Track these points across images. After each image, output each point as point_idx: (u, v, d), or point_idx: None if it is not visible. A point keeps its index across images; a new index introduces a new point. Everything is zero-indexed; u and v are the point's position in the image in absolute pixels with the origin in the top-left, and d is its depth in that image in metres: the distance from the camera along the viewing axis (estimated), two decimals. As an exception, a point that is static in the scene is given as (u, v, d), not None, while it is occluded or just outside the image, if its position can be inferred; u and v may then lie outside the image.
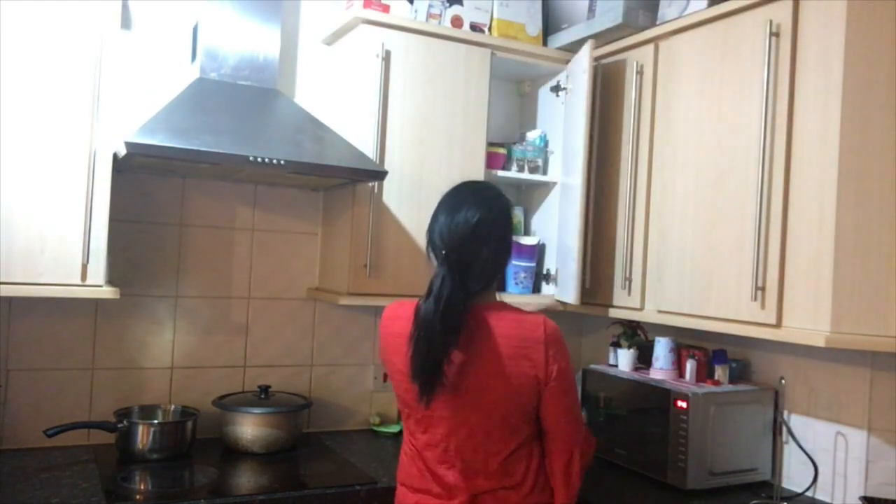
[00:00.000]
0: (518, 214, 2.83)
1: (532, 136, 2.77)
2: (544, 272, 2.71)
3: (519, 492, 1.65)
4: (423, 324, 1.59)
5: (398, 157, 2.40)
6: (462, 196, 1.71)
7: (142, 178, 2.41)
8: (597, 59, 2.53)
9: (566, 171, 2.61)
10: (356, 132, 2.36)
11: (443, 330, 1.57)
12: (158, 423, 2.28)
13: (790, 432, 2.19)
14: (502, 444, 1.64)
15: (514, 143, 2.74)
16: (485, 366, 1.61)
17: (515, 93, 2.99)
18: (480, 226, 1.65)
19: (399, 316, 1.72)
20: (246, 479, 2.14)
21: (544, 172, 2.75)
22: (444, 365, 1.58)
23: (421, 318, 1.60)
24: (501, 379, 1.61)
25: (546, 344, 1.61)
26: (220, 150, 2.00)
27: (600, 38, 2.50)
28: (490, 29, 2.62)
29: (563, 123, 2.67)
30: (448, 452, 1.65)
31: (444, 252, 1.64)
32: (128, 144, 1.89)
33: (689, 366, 2.30)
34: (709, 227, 2.12)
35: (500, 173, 2.64)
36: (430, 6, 2.51)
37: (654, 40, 2.35)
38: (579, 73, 2.48)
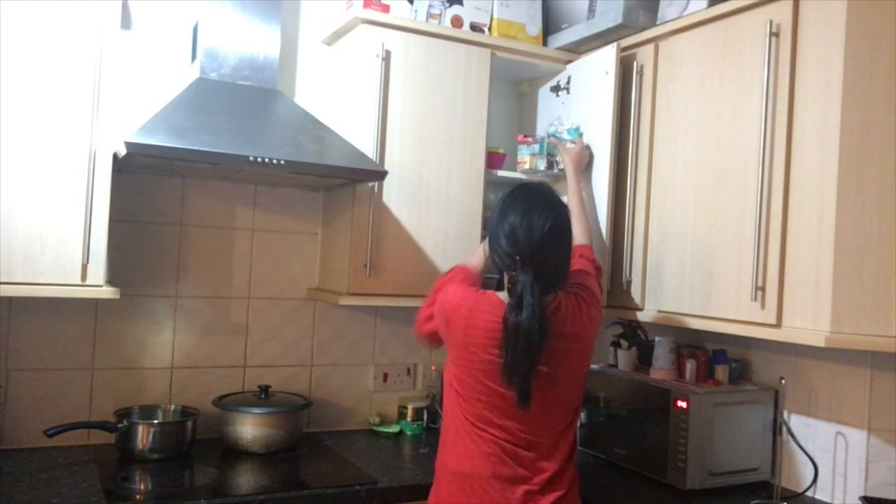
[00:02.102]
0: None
1: (564, 127, 2.59)
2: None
3: (570, 464, 1.81)
4: (525, 334, 1.63)
5: (398, 157, 2.40)
6: (532, 201, 1.74)
7: (142, 178, 2.41)
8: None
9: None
10: (356, 132, 2.36)
11: (541, 338, 1.64)
12: (158, 423, 2.28)
13: (790, 432, 2.19)
14: (565, 425, 1.80)
15: (543, 138, 2.66)
16: (563, 359, 1.75)
17: (515, 93, 2.99)
18: (553, 232, 1.71)
19: (482, 309, 1.72)
20: (246, 479, 2.14)
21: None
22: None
23: (522, 328, 1.64)
24: (569, 369, 1.77)
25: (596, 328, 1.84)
26: (220, 150, 2.00)
27: (600, 38, 2.50)
28: (490, 29, 2.62)
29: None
30: (524, 437, 1.74)
31: (518, 257, 1.68)
32: (128, 144, 1.89)
33: (689, 366, 2.30)
34: (709, 227, 2.12)
35: (500, 173, 2.65)
36: (430, 6, 2.52)
37: (654, 40, 2.35)
38: (597, 74, 2.46)
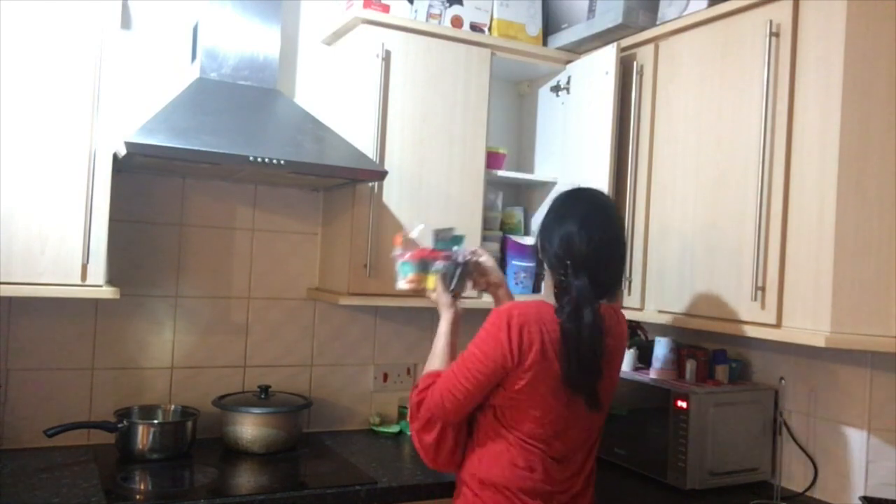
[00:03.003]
0: (518, 214, 2.82)
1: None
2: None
3: (593, 478, 1.86)
4: (590, 338, 1.64)
5: (398, 157, 2.40)
6: (591, 207, 1.75)
7: (142, 178, 2.41)
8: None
9: (569, 170, 2.61)
10: (356, 132, 2.36)
11: (601, 341, 1.67)
12: (158, 423, 2.28)
13: (790, 432, 2.19)
14: (597, 436, 1.85)
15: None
16: (610, 364, 1.78)
17: (515, 93, 2.99)
18: (612, 240, 1.73)
19: (550, 320, 1.69)
20: (246, 479, 2.14)
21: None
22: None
23: (585, 332, 1.64)
24: (612, 375, 1.82)
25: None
26: (220, 150, 2.00)
27: (600, 38, 2.50)
28: (490, 29, 2.62)
29: (562, 123, 2.67)
30: (565, 451, 1.75)
31: (569, 262, 1.67)
32: (128, 144, 1.89)
33: (689, 366, 2.30)
34: (709, 226, 2.12)
35: (501, 173, 2.65)
36: (430, 6, 2.52)
37: (654, 40, 2.35)
38: (597, 74, 2.46)
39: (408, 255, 1.93)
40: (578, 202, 1.76)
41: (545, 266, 1.78)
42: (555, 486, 1.72)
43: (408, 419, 1.83)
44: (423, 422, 1.75)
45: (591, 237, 1.67)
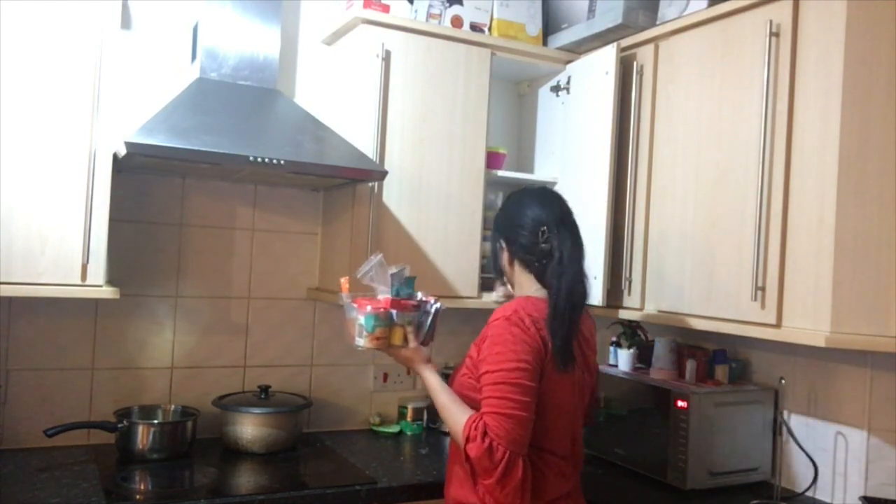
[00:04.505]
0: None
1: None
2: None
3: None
4: (582, 295, 1.75)
5: (398, 157, 2.40)
6: (541, 190, 1.88)
7: (142, 178, 2.41)
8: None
9: (569, 170, 2.61)
10: (356, 132, 2.36)
11: (584, 299, 1.77)
12: (158, 423, 2.28)
13: (790, 432, 2.19)
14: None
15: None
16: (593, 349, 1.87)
17: (515, 93, 2.99)
18: (572, 213, 1.86)
19: (544, 307, 1.72)
20: (246, 479, 2.14)
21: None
22: None
23: (571, 292, 1.72)
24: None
25: None
26: (220, 150, 2.00)
27: (600, 38, 2.50)
28: (490, 29, 2.62)
29: (562, 123, 2.67)
30: (573, 448, 1.77)
31: (545, 228, 1.75)
32: (128, 144, 1.89)
33: (689, 366, 2.30)
34: (709, 226, 2.12)
35: (500, 173, 2.64)
36: (430, 6, 2.52)
37: (654, 40, 2.35)
38: (597, 74, 2.46)
39: (368, 305, 1.67)
40: (525, 194, 1.84)
41: (514, 265, 1.80)
42: (572, 483, 1.76)
43: (481, 480, 1.58)
44: (503, 467, 1.53)
45: (552, 203, 1.79)
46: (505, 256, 1.82)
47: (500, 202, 2.76)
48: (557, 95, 2.72)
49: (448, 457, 1.85)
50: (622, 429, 2.34)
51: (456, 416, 1.62)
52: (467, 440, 1.56)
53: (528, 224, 1.76)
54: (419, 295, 1.76)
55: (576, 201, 1.98)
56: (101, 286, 2.02)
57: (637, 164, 2.38)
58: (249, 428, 2.31)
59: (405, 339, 1.72)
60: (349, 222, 2.39)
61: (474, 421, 1.57)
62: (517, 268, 1.80)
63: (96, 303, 2.35)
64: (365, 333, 1.66)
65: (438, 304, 1.75)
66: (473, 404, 1.64)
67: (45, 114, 1.96)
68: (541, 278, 1.75)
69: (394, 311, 1.68)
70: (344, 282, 1.73)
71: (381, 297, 1.69)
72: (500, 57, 2.58)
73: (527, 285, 1.78)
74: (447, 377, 1.80)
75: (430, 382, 1.71)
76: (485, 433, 1.54)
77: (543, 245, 1.73)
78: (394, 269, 1.71)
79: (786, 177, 1.91)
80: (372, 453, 2.41)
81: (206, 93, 2.20)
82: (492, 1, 2.62)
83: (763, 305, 1.93)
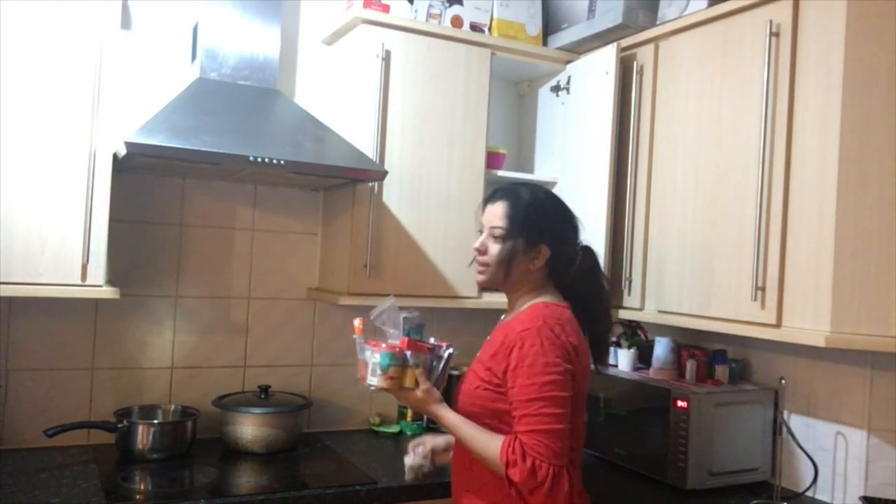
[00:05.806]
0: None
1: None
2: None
3: None
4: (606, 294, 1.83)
5: (398, 157, 2.40)
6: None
7: (142, 178, 2.41)
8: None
9: (569, 170, 2.61)
10: (356, 132, 2.36)
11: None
12: (158, 423, 2.28)
13: (790, 432, 2.19)
14: None
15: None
16: None
17: (515, 93, 2.99)
18: None
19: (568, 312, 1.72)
20: (246, 479, 2.14)
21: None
22: None
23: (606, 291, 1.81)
24: None
25: None
26: (220, 150, 2.00)
27: (600, 38, 2.50)
28: (490, 29, 2.62)
29: (562, 123, 2.67)
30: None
31: (580, 245, 1.76)
32: (128, 144, 1.89)
33: (689, 366, 2.30)
34: (709, 226, 2.12)
35: (501, 173, 2.64)
36: (430, 6, 2.52)
37: (654, 40, 2.35)
38: (597, 74, 2.46)
39: (384, 345, 1.67)
40: (560, 203, 1.79)
41: (541, 270, 1.70)
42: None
43: (529, 500, 1.53)
44: (550, 483, 1.50)
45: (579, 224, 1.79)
46: (537, 261, 1.69)
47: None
48: (557, 95, 2.72)
49: (452, 464, 1.81)
50: (622, 429, 2.34)
51: (488, 444, 1.58)
52: (507, 465, 1.51)
53: (572, 238, 1.73)
54: (431, 340, 1.76)
55: (576, 201, 1.99)
56: (101, 286, 2.02)
57: (637, 164, 2.38)
58: (249, 428, 2.31)
59: (416, 383, 1.69)
60: (349, 222, 2.39)
61: (510, 444, 1.53)
62: (540, 274, 1.70)
63: (96, 303, 2.35)
64: (379, 372, 1.66)
65: (451, 350, 1.75)
66: (494, 414, 1.62)
67: (45, 114, 1.96)
68: (559, 285, 1.73)
69: (409, 352, 1.67)
70: (358, 323, 1.73)
71: (391, 341, 1.70)
72: (500, 57, 2.58)
73: (544, 291, 1.71)
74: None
75: (449, 420, 1.67)
76: (524, 454, 1.51)
77: (576, 257, 1.71)
78: (406, 314, 1.72)
79: (786, 177, 1.92)
80: (372, 453, 2.41)
81: (206, 93, 2.20)
82: (492, 1, 2.62)
83: (763, 305, 1.93)
